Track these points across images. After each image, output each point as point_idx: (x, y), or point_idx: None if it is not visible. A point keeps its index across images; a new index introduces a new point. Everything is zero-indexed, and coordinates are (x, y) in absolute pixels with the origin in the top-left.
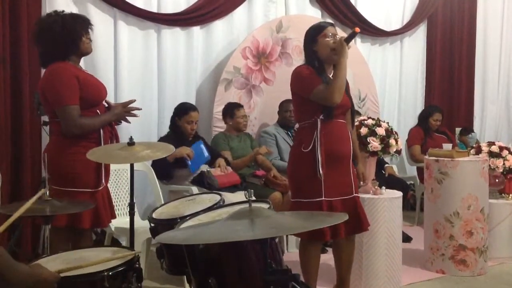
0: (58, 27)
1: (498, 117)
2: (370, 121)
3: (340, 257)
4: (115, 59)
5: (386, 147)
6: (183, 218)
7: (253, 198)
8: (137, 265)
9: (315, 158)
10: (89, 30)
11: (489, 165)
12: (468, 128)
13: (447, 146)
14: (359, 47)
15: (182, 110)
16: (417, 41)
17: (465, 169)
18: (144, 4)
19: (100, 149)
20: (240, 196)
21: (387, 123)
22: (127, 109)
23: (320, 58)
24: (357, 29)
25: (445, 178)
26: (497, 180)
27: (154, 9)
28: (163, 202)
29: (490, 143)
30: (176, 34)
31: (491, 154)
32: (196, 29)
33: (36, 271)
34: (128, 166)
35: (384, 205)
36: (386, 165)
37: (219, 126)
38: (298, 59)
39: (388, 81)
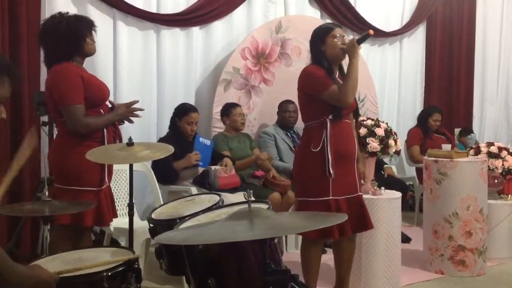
0: (62, 28)
1: (497, 118)
2: (369, 122)
3: (341, 257)
4: (114, 60)
5: (385, 147)
6: (182, 219)
7: (252, 198)
8: (136, 266)
9: (324, 157)
10: (93, 32)
11: (488, 165)
12: (467, 129)
13: (446, 147)
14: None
15: (182, 111)
16: (416, 41)
17: (464, 169)
18: (143, 5)
19: (99, 150)
20: (239, 196)
21: (386, 123)
22: (130, 110)
23: (328, 59)
24: (371, 32)
25: (444, 178)
26: (496, 181)
27: (153, 9)
28: (162, 203)
29: (489, 144)
30: (175, 35)
31: (490, 155)
32: (195, 30)
33: (35, 272)
34: (127, 166)
35: (383, 206)
36: (385, 165)
37: (219, 126)
38: (297, 59)
39: (387, 81)
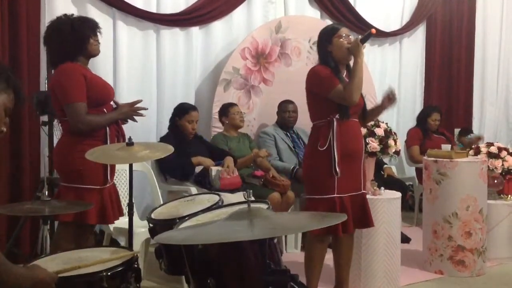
0: (66, 29)
1: (497, 118)
2: None
3: (340, 252)
4: (114, 59)
5: (385, 147)
6: (182, 219)
7: (252, 198)
8: (135, 265)
9: (331, 156)
10: (98, 33)
11: (488, 166)
12: (467, 129)
13: (446, 147)
14: None
15: (183, 110)
16: (416, 42)
17: (463, 170)
18: (143, 4)
19: (99, 149)
20: (239, 196)
21: (386, 123)
22: (133, 109)
23: (335, 58)
24: (373, 31)
25: (444, 178)
26: (495, 181)
27: (153, 9)
28: (162, 202)
29: (489, 144)
30: (175, 35)
31: (490, 155)
32: (195, 30)
33: (33, 273)
34: (127, 166)
35: (383, 206)
36: (385, 165)
37: (218, 126)
38: (297, 59)
39: (387, 81)
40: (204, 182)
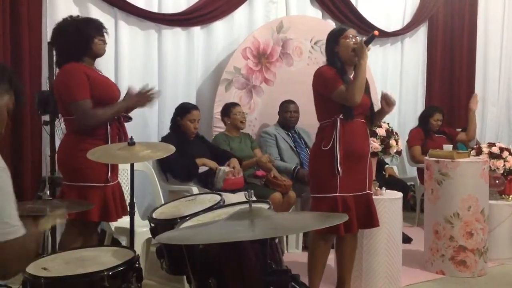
0: (71, 29)
1: (499, 118)
2: None
3: (343, 252)
4: (115, 59)
5: (386, 147)
6: (183, 218)
7: (253, 198)
8: (137, 265)
9: (334, 155)
10: (104, 33)
11: (490, 166)
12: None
13: (448, 147)
14: None
15: (184, 109)
16: (418, 42)
17: (465, 170)
18: (144, 4)
19: (100, 149)
20: (240, 196)
21: (388, 123)
22: (143, 94)
23: (342, 59)
24: (376, 32)
25: (445, 179)
26: (497, 181)
27: (154, 9)
28: (163, 202)
29: (491, 144)
30: (176, 34)
31: (492, 155)
32: (196, 29)
33: (33, 231)
34: (128, 166)
35: (385, 206)
36: (387, 166)
37: (220, 126)
38: (299, 59)
39: (388, 82)
40: (207, 182)
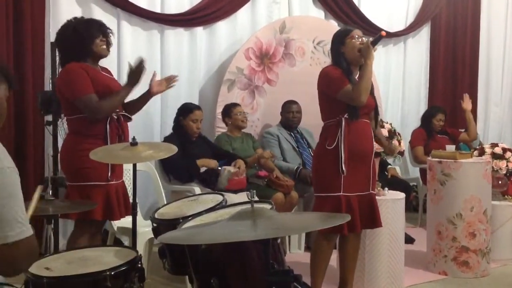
0: (69, 30)
1: (502, 119)
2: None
3: (346, 252)
4: (118, 59)
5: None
6: (186, 218)
7: (256, 198)
8: (139, 265)
9: (338, 155)
10: (109, 34)
11: (492, 166)
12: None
13: (450, 148)
14: None
15: (187, 110)
16: (421, 42)
17: (468, 170)
18: (147, 5)
19: (102, 149)
20: (243, 196)
21: (390, 124)
22: (166, 79)
23: (348, 60)
24: (383, 33)
25: (448, 179)
26: (500, 182)
27: (157, 9)
28: (165, 202)
29: (494, 145)
30: (179, 35)
31: (494, 156)
32: (199, 30)
33: None
34: (130, 166)
35: (387, 206)
36: (389, 166)
37: (222, 126)
38: (301, 60)
39: (391, 82)
40: (209, 181)
